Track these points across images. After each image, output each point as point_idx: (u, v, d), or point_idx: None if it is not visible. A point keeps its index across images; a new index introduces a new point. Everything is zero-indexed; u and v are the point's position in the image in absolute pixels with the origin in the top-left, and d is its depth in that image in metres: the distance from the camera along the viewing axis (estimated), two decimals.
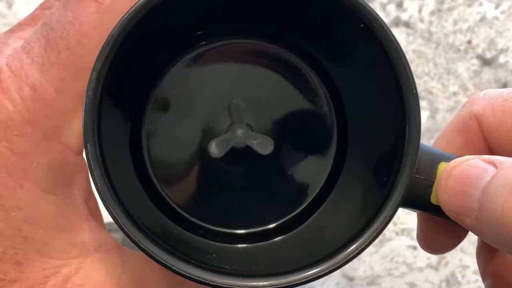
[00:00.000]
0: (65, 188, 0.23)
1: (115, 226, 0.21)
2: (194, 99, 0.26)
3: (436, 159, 0.23)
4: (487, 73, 0.67)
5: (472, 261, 0.65)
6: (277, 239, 0.26)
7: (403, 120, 0.21)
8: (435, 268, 0.63)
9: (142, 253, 0.21)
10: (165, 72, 0.26)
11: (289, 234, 0.26)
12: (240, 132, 0.25)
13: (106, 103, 0.21)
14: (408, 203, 0.23)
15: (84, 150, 0.21)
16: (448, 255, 0.63)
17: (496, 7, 0.68)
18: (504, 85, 0.68)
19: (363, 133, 0.25)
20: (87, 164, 0.21)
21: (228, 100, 0.25)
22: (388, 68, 0.22)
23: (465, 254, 0.65)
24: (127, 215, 0.21)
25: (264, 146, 0.25)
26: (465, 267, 0.65)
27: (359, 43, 0.23)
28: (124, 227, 0.21)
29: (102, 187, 0.20)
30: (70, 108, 0.23)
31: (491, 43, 0.68)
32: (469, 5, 0.68)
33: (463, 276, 0.64)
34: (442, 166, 0.23)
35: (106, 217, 0.24)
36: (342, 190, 0.26)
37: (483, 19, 0.68)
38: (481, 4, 0.68)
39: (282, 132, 0.26)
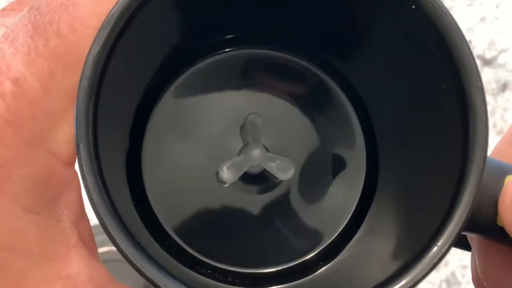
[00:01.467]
0: (50, 206, 0.19)
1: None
2: (202, 116, 0.22)
3: (502, 171, 0.19)
4: (487, 73, 0.65)
5: None
6: (299, 281, 0.21)
7: (464, 122, 0.17)
8: (435, 268, 0.62)
9: None
10: (171, 81, 0.22)
11: (313, 275, 0.22)
12: (256, 153, 0.21)
13: (103, 97, 0.17)
14: (469, 225, 0.18)
15: (76, 155, 0.17)
16: (448, 255, 0.61)
17: (496, 7, 0.66)
18: (504, 85, 0.66)
19: (399, 146, 0.21)
20: (79, 170, 0.17)
21: (240, 117, 0.21)
22: (443, 60, 0.17)
23: (466, 254, 0.62)
24: (127, 234, 0.17)
25: (283, 169, 0.21)
26: (465, 267, 0.63)
27: (404, 32, 0.19)
28: (122, 248, 0.16)
29: (96, 199, 0.16)
30: (59, 108, 0.19)
31: (491, 43, 0.66)
32: (469, 5, 0.66)
33: (463, 276, 0.62)
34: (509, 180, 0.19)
35: (93, 219, 0.20)
36: (377, 215, 0.22)
37: (483, 19, 0.66)
38: (481, 4, 0.66)
39: (302, 154, 0.22)
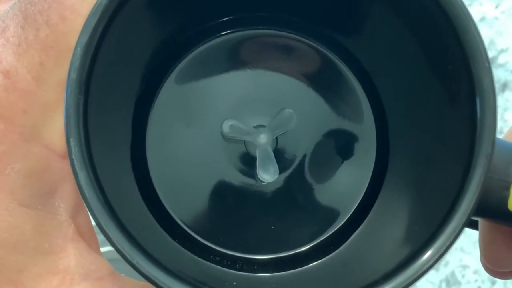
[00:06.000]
0: (46, 200, 0.19)
1: None
2: (205, 101, 0.22)
3: None
4: None
5: (472, 261, 0.62)
6: (310, 265, 0.21)
7: (471, 103, 0.16)
8: (435, 268, 0.61)
9: (143, 282, 0.17)
10: (174, 65, 0.21)
11: (324, 258, 0.21)
12: (262, 137, 0.21)
13: (95, 89, 0.17)
14: (479, 210, 0.17)
15: (67, 149, 0.16)
16: (448, 255, 0.61)
17: (496, 7, 0.66)
18: (504, 85, 0.65)
19: (409, 129, 0.20)
20: (70, 165, 0.16)
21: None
22: (450, 39, 0.17)
23: (465, 253, 0.62)
24: (123, 230, 0.16)
25: (264, 170, 0.21)
26: (465, 267, 0.62)
27: (411, 10, 0.18)
28: (118, 245, 0.16)
29: (89, 194, 0.16)
30: (52, 100, 0.18)
31: (491, 43, 0.65)
32: (469, 5, 0.66)
33: (463, 276, 0.62)
34: None
35: None
36: (386, 202, 0.21)
37: (483, 19, 0.66)
38: (481, 4, 0.66)
39: (309, 136, 0.22)
